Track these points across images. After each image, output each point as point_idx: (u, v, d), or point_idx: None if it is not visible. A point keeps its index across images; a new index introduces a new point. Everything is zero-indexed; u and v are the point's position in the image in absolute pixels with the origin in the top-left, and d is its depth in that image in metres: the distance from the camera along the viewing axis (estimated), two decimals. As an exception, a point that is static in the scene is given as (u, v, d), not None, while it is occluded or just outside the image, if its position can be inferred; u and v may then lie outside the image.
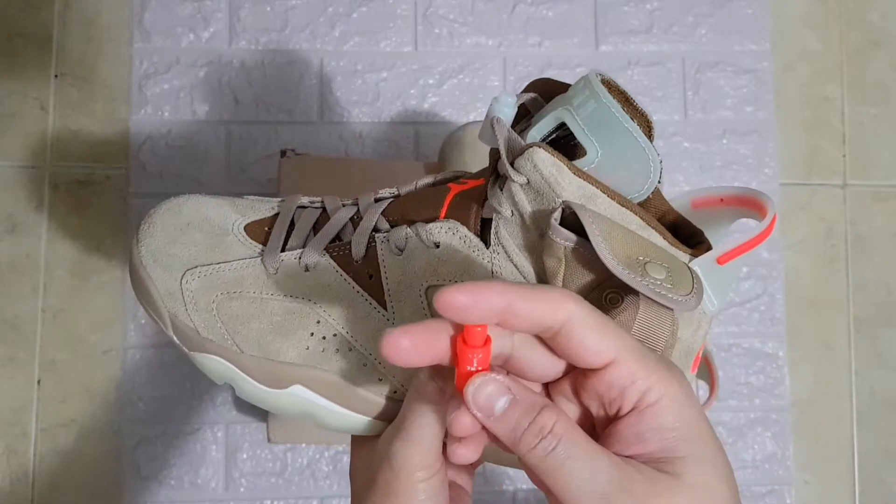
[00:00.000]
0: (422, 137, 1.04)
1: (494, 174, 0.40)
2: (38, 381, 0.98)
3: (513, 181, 0.37)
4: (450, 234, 0.40)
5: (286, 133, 1.03)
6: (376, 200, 0.44)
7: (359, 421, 0.43)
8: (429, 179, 0.44)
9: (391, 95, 1.05)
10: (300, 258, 0.42)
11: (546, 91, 0.40)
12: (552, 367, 0.33)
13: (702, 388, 0.93)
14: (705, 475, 0.31)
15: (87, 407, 0.98)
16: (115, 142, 1.01)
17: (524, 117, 0.41)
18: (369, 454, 0.40)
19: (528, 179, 0.37)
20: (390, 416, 0.41)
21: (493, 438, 0.33)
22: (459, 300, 0.29)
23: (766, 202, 0.36)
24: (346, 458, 0.99)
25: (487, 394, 0.31)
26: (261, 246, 0.43)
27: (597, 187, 0.36)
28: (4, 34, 1.02)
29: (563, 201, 0.36)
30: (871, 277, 1.08)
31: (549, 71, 1.07)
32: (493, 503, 1.01)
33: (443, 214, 0.41)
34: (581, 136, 0.36)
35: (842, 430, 1.06)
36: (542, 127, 0.37)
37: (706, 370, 0.92)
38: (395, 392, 0.42)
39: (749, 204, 0.37)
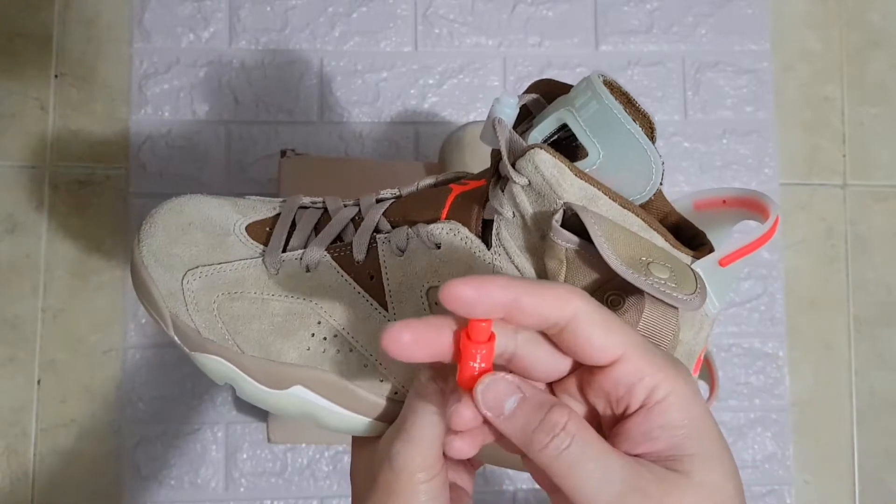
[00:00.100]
0: (422, 137, 1.04)
1: (496, 175, 0.40)
2: (38, 381, 0.98)
3: (514, 182, 0.37)
4: (451, 234, 0.40)
5: (286, 133, 1.03)
6: (378, 201, 0.44)
7: (359, 422, 0.43)
8: (430, 180, 0.44)
9: (391, 95, 1.05)
10: (301, 259, 0.42)
11: (548, 92, 0.40)
12: (557, 365, 0.33)
13: (702, 389, 0.93)
14: (713, 473, 0.31)
15: (87, 407, 0.98)
16: (115, 142, 1.01)
17: (526, 118, 0.41)
18: (370, 455, 0.40)
19: (529, 181, 0.37)
20: (391, 417, 0.41)
21: (502, 440, 0.33)
22: (465, 293, 0.29)
23: (769, 204, 0.36)
24: (347, 459, 0.99)
25: (497, 393, 0.31)
26: (262, 246, 0.43)
27: (598, 189, 0.36)
28: (4, 34, 1.02)
29: (564, 203, 0.36)
30: (871, 277, 1.08)
31: (550, 71, 1.07)
32: (493, 503, 1.01)
33: (444, 215, 0.41)
34: (583, 138, 0.36)
35: (842, 430, 1.06)
36: (544, 128, 0.37)
37: (706, 370, 0.92)
38: (395, 393, 0.42)
39: (751, 206, 0.37)
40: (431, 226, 0.40)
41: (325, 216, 0.44)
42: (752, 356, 1.05)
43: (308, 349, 0.42)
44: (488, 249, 0.39)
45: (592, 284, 0.35)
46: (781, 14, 1.11)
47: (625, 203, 0.36)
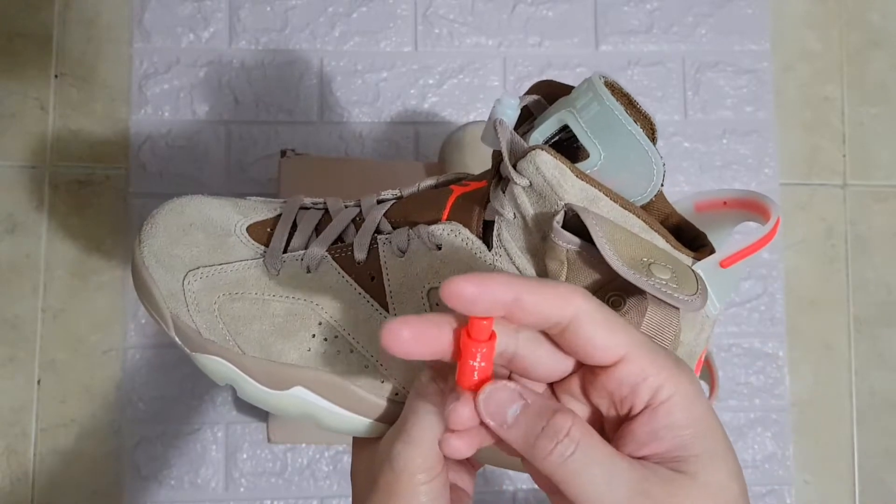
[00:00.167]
0: (422, 137, 1.04)
1: (497, 176, 0.40)
2: (38, 381, 0.98)
3: (515, 183, 0.37)
4: (452, 235, 0.40)
5: (286, 133, 1.03)
6: (378, 202, 0.44)
7: (360, 423, 0.43)
8: (431, 181, 0.44)
9: (391, 95, 1.05)
10: (302, 259, 0.42)
11: (549, 93, 0.40)
12: (558, 365, 0.32)
13: (702, 389, 0.93)
14: (718, 473, 0.31)
15: (87, 407, 0.98)
16: (115, 142, 1.01)
17: (527, 119, 0.41)
18: (371, 456, 0.40)
19: (530, 182, 0.37)
20: (392, 417, 0.41)
21: (502, 443, 0.32)
22: (466, 290, 0.29)
23: (770, 205, 0.36)
24: (347, 459, 0.99)
25: (499, 401, 0.31)
26: (263, 247, 0.43)
27: (599, 190, 0.36)
28: (4, 34, 1.02)
29: (565, 204, 0.36)
30: (871, 277, 1.08)
31: (550, 71, 1.07)
32: (493, 503, 1.01)
33: (445, 216, 0.41)
34: (584, 139, 0.36)
35: (842, 430, 1.06)
36: (545, 129, 0.37)
37: (707, 370, 0.92)
38: (396, 394, 0.42)
39: (752, 207, 0.37)
40: (432, 227, 0.40)
41: (326, 217, 0.44)
42: (752, 356, 1.05)
43: (309, 350, 0.42)
44: (489, 250, 0.39)
45: (593, 285, 0.35)
46: (781, 14, 1.11)
47: (626, 204, 0.36)
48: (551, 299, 0.30)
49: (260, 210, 0.45)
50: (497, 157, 0.40)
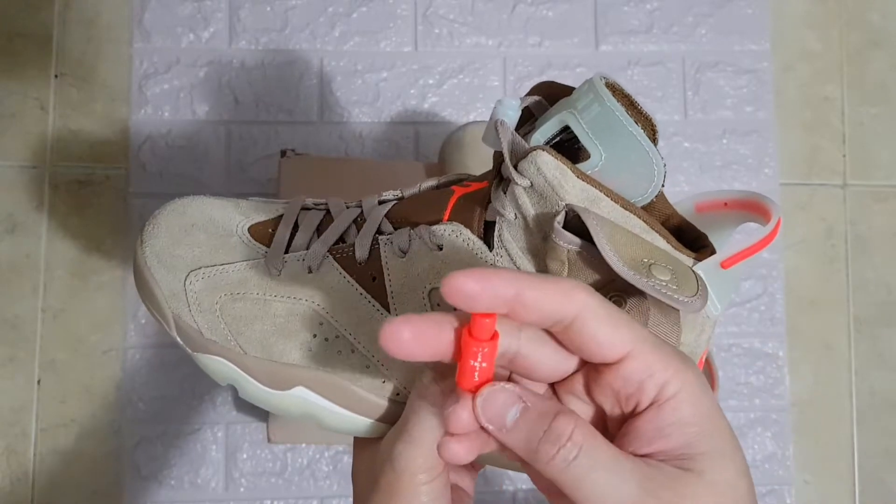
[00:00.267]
0: (422, 137, 1.04)
1: (498, 177, 0.40)
2: (38, 381, 0.98)
3: (516, 184, 0.37)
4: (453, 236, 0.40)
5: (286, 133, 1.03)
6: (380, 202, 0.44)
7: (361, 423, 0.43)
8: (432, 182, 0.44)
9: (391, 95, 1.05)
10: (304, 260, 0.42)
11: (550, 94, 0.40)
12: (560, 364, 0.32)
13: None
14: (726, 471, 0.30)
15: (87, 407, 0.98)
16: (115, 142, 1.01)
17: (528, 120, 0.41)
18: (372, 456, 0.40)
19: (531, 182, 0.37)
20: (393, 418, 0.41)
21: (504, 449, 0.32)
22: (467, 285, 0.28)
23: (771, 206, 0.36)
24: (347, 459, 0.99)
25: (497, 404, 0.30)
26: (264, 247, 0.43)
27: (600, 190, 0.36)
28: (4, 34, 1.02)
29: (566, 204, 0.36)
30: (871, 277, 1.08)
31: (550, 71, 1.07)
32: (493, 503, 1.01)
33: (446, 217, 0.41)
34: (585, 140, 0.36)
35: (842, 430, 1.06)
36: (546, 130, 0.37)
37: (707, 371, 0.92)
38: (397, 394, 0.42)
39: (753, 208, 0.37)
40: (434, 227, 0.40)
41: (327, 217, 0.44)
42: (752, 356, 1.05)
43: (310, 350, 0.42)
44: (490, 251, 0.39)
45: (594, 286, 0.35)
46: (781, 14, 1.11)
47: (626, 205, 0.36)
48: (554, 295, 0.29)
49: (261, 210, 0.45)
50: (498, 157, 0.40)
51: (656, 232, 0.36)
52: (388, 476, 0.35)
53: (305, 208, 0.45)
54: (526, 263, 0.38)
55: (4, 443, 0.97)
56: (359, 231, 0.42)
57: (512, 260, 0.38)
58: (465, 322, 0.30)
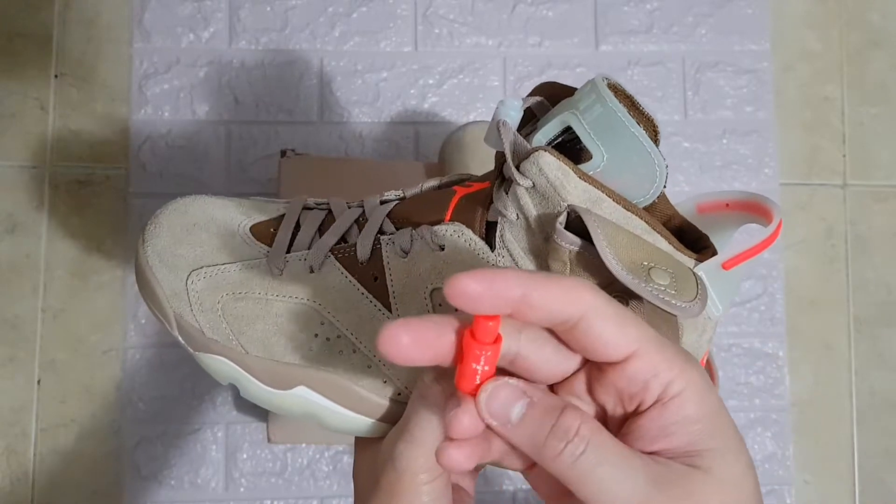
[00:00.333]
0: (422, 137, 1.04)
1: (500, 177, 0.40)
2: (38, 381, 0.98)
3: (518, 185, 0.37)
4: (455, 236, 0.40)
5: (286, 133, 1.03)
6: (382, 202, 0.44)
7: (363, 423, 0.43)
8: (434, 182, 0.44)
9: (391, 95, 1.05)
10: (306, 259, 0.42)
11: (552, 95, 0.40)
12: (561, 365, 0.31)
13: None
14: (733, 468, 0.30)
15: (87, 407, 0.98)
16: (115, 142, 1.01)
17: (530, 121, 0.41)
18: (373, 456, 0.40)
19: (533, 183, 0.37)
20: (394, 418, 0.41)
21: (506, 459, 0.31)
22: (471, 287, 0.27)
23: (772, 207, 0.36)
24: (346, 459, 0.99)
25: (501, 400, 0.30)
26: (266, 247, 0.43)
27: (602, 191, 0.36)
28: (4, 34, 1.02)
29: (568, 205, 0.36)
30: (871, 277, 1.08)
31: (550, 71, 1.07)
32: (493, 503, 1.01)
33: (448, 217, 0.41)
34: (587, 141, 0.36)
35: (842, 430, 1.06)
36: (548, 131, 0.37)
37: (707, 370, 0.92)
38: (399, 394, 0.42)
39: (755, 209, 0.37)
40: (436, 227, 0.40)
41: (329, 217, 0.44)
42: (752, 356, 1.05)
43: (312, 350, 0.42)
44: (492, 251, 0.39)
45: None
46: (781, 14, 1.11)
47: (628, 206, 0.36)
48: (560, 295, 0.28)
49: (263, 210, 0.46)
50: (500, 158, 0.40)
51: (658, 233, 0.36)
52: (389, 476, 0.35)
53: (307, 208, 0.45)
54: (528, 264, 0.38)
55: (4, 443, 0.97)
56: (360, 231, 0.43)
57: (514, 260, 0.38)
58: (466, 324, 0.29)
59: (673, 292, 0.33)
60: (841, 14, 1.11)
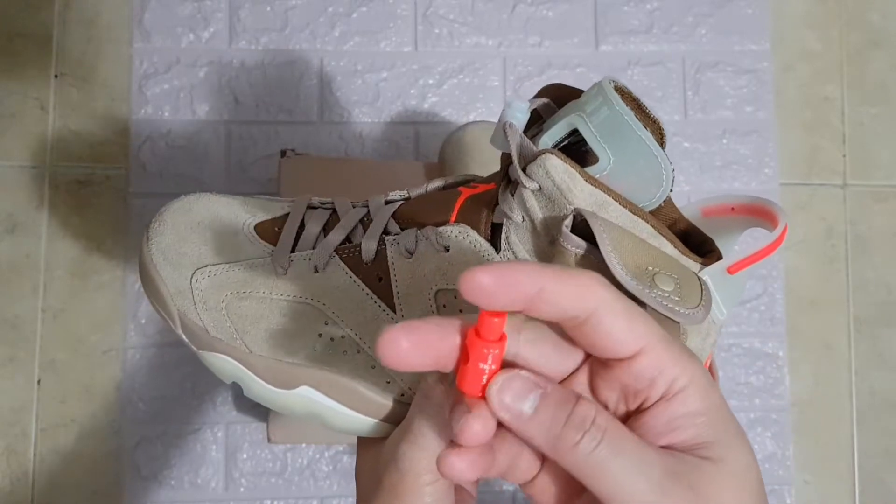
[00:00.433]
0: (422, 137, 1.04)
1: (506, 179, 0.40)
2: (38, 381, 0.98)
3: (524, 187, 0.37)
4: (460, 238, 0.40)
5: (286, 133, 1.03)
6: (386, 202, 0.44)
7: (366, 423, 0.43)
8: (439, 182, 0.44)
9: (391, 95, 1.05)
10: (310, 259, 0.42)
11: (558, 97, 0.40)
12: (560, 364, 0.31)
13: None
14: (741, 459, 0.30)
15: (87, 407, 0.98)
16: (115, 142, 1.01)
17: (536, 123, 0.41)
18: (376, 456, 0.41)
19: (539, 185, 0.37)
20: (398, 418, 0.41)
21: (509, 470, 0.31)
22: (486, 281, 0.26)
23: (778, 212, 0.36)
24: (347, 459, 0.99)
25: (514, 392, 0.29)
26: (271, 246, 0.43)
27: (608, 195, 0.36)
28: (4, 34, 1.02)
29: (574, 208, 0.36)
30: (871, 277, 1.08)
31: (550, 71, 1.07)
32: (493, 503, 1.01)
33: (453, 218, 0.41)
34: (593, 143, 0.36)
35: (842, 430, 1.06)
36: (555, 133, 0.37)
37: (708, 372, 0.92)
38: (402, 395, 0.42)
39: (760, 213, 0.37)
40: (440, 228, 0.40)
41: (333, 217, 0.44)
42: (752, 356, 1.05)
43: (315, 349, 0.42)
44: (497, 253, 0.39)
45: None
46: (781, 14, 1.11)
47: (635, 209, 0.36)
48: (575, 290, 0.28)
49: (268, 209, 0.45)
50: (506, 159, 0.40)
51: (664, 236, 0.36)
52: (391, 476, 0.35)
53: (311, 207, 0.45)
54: (533, 266, 0.38)
55: (4, 443, 0.97)
56: (365, 231, 0.42)
57: (519, 262, 0.38)
58: (470, 325, 0.29)
59: (677, 299, 0.33)
60: (841, 14, 1.12)
